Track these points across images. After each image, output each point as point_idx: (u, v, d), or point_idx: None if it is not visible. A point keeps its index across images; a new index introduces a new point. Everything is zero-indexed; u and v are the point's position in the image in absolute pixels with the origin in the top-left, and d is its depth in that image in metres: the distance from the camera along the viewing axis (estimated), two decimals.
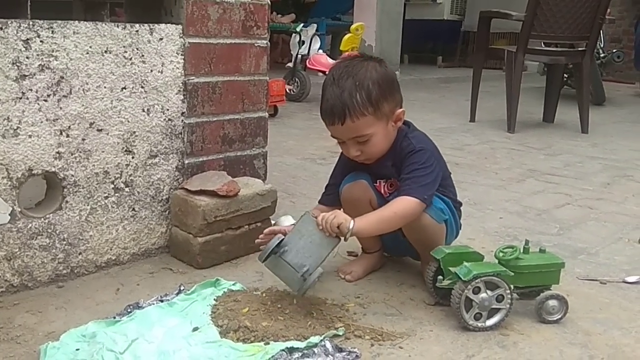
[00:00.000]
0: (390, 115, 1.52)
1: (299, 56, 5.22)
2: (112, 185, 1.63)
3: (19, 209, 1.47)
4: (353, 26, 5.32)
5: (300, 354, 1.23)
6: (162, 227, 1.77)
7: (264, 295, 1.46)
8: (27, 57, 1.42)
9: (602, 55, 6.20)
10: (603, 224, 2.24)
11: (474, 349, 1.32)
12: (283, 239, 1.42)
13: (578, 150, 3.64)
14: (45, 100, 1.47)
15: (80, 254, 1.60)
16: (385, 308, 1.50)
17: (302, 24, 5.50)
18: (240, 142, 1.94)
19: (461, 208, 1.70)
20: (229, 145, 1.91)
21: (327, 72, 1.62)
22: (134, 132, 1.65)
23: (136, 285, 1.58)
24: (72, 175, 1.55)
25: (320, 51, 5.36)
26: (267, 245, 1.42)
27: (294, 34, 5.40)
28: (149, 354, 1.22)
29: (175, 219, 1.74)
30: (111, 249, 1.67)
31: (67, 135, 1.52)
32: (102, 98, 1.57)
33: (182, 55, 1.72)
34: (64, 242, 1.56)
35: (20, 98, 1.42)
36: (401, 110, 1.54)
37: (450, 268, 1.42)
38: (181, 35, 1.71)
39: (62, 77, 1.49)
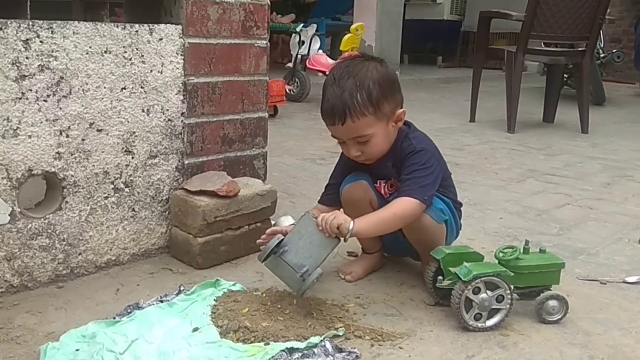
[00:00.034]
0: (391, 115, 1.52)
1: (299, 56, 5.22)
2: (112, 186, 1.63)
3: (19, 210, 1.47)
4: (353, 26, 5.32)
5: (300, 354, 1.23)
6: (162, 227, 1.77)
7: (264, 295, 1.46)
8: (27, 58, 1.42)
9: (602, 55, 6.20)
10: (603, 224, 2.24)
11: (474, 350, 1.32)
12: (283, 239, 1.42)
13: (578, 150, 3.64)
14: (45, 101, 1.47)
15: (80, 254, 1.60)
16: (385, 308, 1.50)
17: (302, 24, 5.50)
18: (240, 142, 1.94)
19: (461, 208, 1.70)
20: (229, 145, 1.91)
21: (327, 72, 1.62)
22: (134, 132, 1.65)
23: (136, 285, 1.58)
24: (72, 176, 1.55)
25: (320, 51, 5.36)
26: (266, 245, 1.42)
27: (293, 34, 5.40)
28: (149, 355, 1.22)
29: (175, 219, 1.74)
30: (111, 250, 1.67)
31: (67, 136, 1.52)
32: (102, 98, 1.57)
33: (181, 55, 1.72)
34: (64, 243, 1.56)
35: (20, 98, 1.42)
36: (402, 110, 1.54)
37: (450, 268, 1.42)
38: (181, 35, 1.71)
39: (61, 78, 1.49)
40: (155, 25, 1.66)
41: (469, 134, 4.05)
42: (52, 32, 1.45)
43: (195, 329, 1.32)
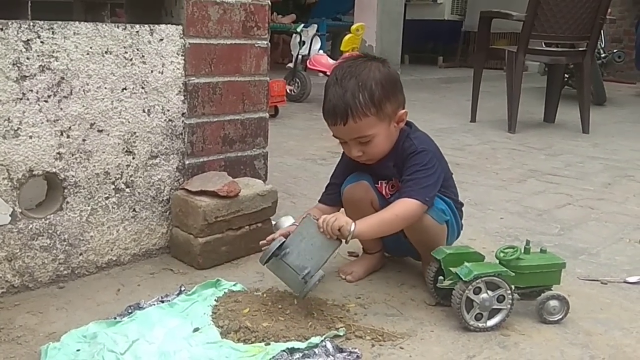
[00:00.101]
0: (393, 115, 1.52)
1: (300, 56, 5.22)
2: (113, 186, 1.63)
3: (20, 210, 1.47)
4: (353, 26, 5.32)
5: (301, 354, 1.23)
6: (163, 227, 1.77)
7: (264, 295, 1.46)
8: (28, 58, 1.42)
9: (603, 55, 6.20)
10: (604, 224, 2.24)
11: (475, 350, 1.32)
12: (284, 242, 1.42)
13: (579, 150, 3.64)
14: (46, 101, 1.47)
15: (81, 254, 1.60)
16: (386, 308, 1.50)
17: (302, 25, 5.50)
18: (240, 142, 1.94)
19: (462, 208, 1.70)
20: (230, 145, 1.91)
21: (327, 73, 1.62)
22: (135, 132, 1.65)
23: (137, 285, 1.58)
24: (73, 176, 1.55)
25: (321, 51, 5.36)
26: (268, 247, 1.42)
27: (294, 35, 5.40)
28: (150, 355, 1.22)
29: (176, 220, 1.74)
30: (112, 250, 1.67)
31: (68, 136, 1.52)
32: (103, 99, 1.57)
33: (182, 55, 1.72)
34: (65, 243, 1.56)
35: (21, 99, 1.42)
36: (404, 111, 1.54)
37: (451, 268, 1.42)
38: (181, 35, 1.71)
39: (62, 78, 1.49)
40: (156, 25, 1.66)
41: (470, 134, 4.05)
42: (52, 32, 1.45)
43: (196, 329, 1.32)
